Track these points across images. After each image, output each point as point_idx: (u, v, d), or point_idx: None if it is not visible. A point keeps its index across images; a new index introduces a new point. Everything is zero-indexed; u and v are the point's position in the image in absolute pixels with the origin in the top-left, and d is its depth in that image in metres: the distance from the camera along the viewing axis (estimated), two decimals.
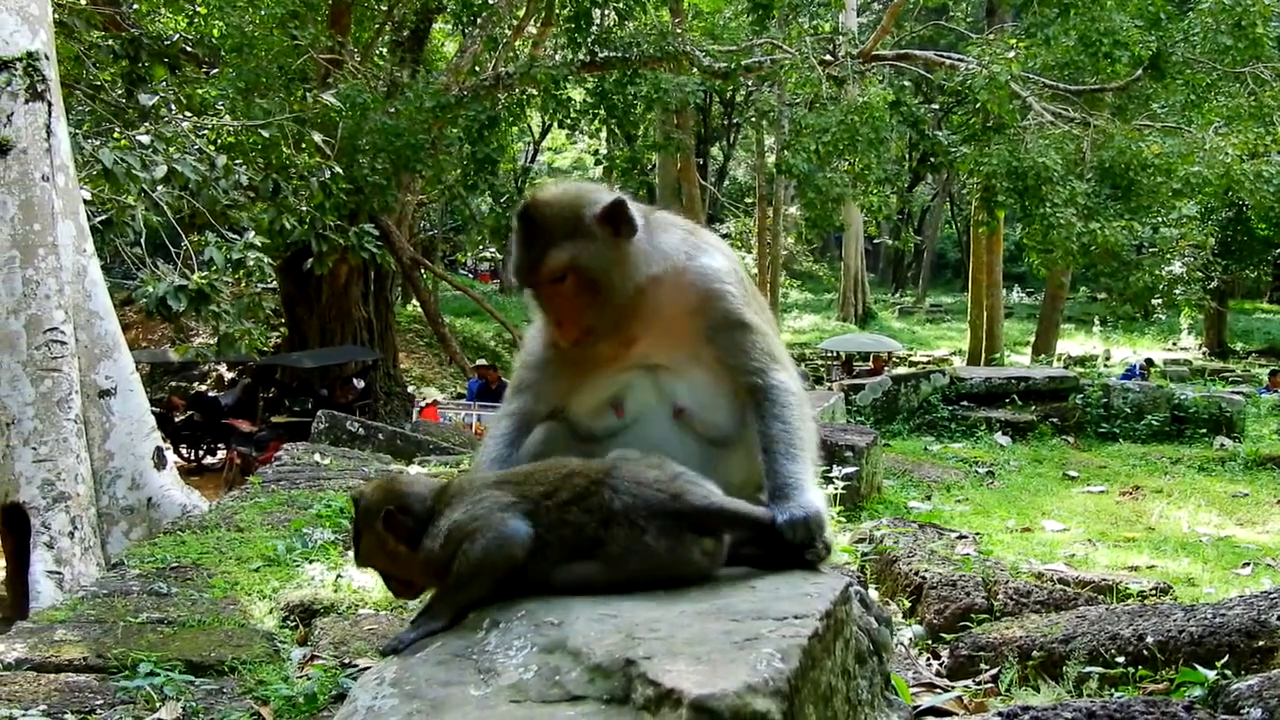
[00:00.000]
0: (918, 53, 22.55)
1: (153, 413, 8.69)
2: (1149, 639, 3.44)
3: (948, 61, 19.93)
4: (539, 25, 20.69)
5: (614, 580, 2.16)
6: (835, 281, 47.54)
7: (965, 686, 3.60)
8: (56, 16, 9.40)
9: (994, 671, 3.72)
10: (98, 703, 3.15)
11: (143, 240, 9.98)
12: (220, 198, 10.27)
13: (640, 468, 2.23)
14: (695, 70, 18.99)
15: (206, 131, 11.63)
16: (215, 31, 18.18)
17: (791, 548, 2.29)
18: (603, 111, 19.16)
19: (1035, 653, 3.66)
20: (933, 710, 3.10)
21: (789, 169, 19.21)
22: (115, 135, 10.56)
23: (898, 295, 51.32)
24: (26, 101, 7.65)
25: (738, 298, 2.56)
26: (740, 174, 54.22)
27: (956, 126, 23.45)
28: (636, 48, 18.39)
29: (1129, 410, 12.67)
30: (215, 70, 16.87)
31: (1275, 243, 30.15)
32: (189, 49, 17.30)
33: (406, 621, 2.43)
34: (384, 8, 21.04)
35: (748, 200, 46.89)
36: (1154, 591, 4.91)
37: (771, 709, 1.66)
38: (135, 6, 17.83)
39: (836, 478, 6.50)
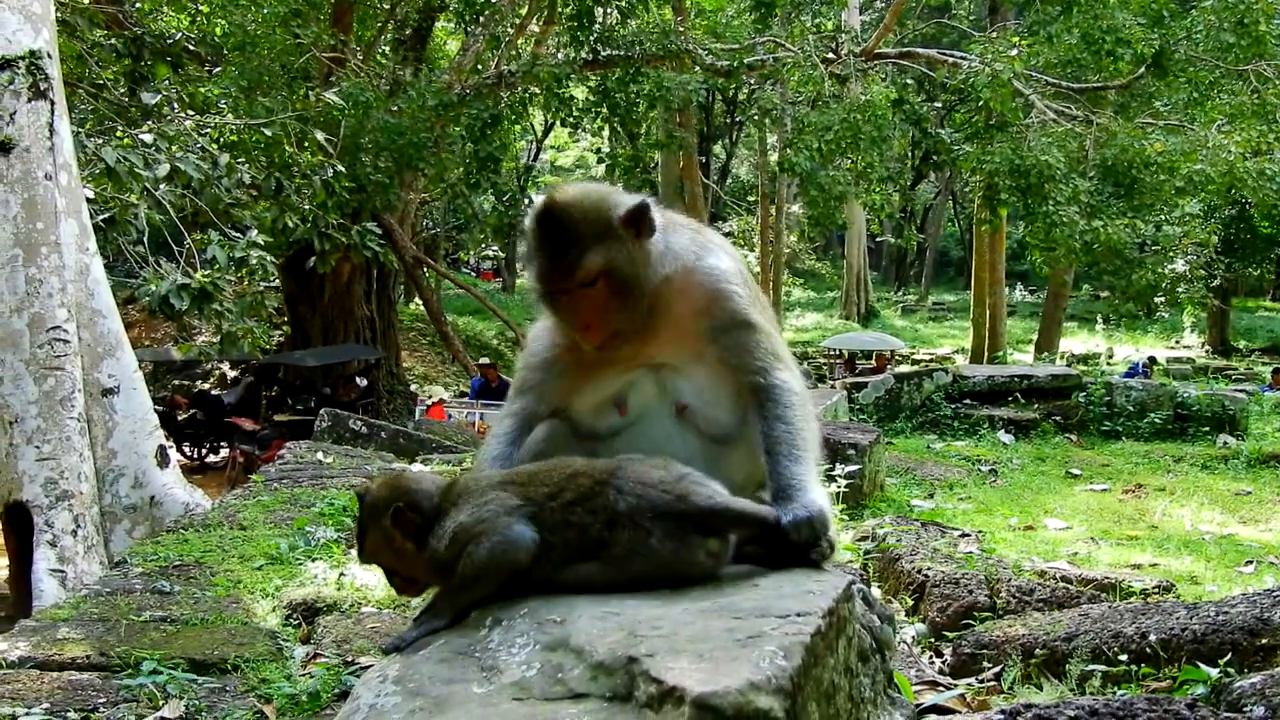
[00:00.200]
0: (920, 51, 22.49)
1: (155, 411, 8.70)
2: (1152, 637, 3.44)
3: (950, 59, 19.92)
4: (541, 23, 20.68)
5: (617, 581, 2.16)
6: (838, 280, 47.54)
7: (968, 684, 3.60)
8: (59, 15, 9.40)
9: (997, 669, 3.72)
10: (100, 701, 3.16)
11: (145, 239, 9.99)
12: (223, 196, 10.28)
13: (645, 468, 2.23)
14: (698, 68, 18.99)
15: (209, 130, 11.63)
16: (218, 30, 18.19)
17: (795, 547, 2.29)
18: (605, 110, 19.18)
19: (1038, 651, 3.66)
20: (935, 708, 3.09)
21: (791, 167, 19.18)
22: (118, 134, 10.56)
23: (900, 293, 51.27)
24: (29, 100, 7.66)
25: (744, 298, 2.57)
26: (743, 172, 54.20)
27: (959, 124, 23.40)
28: (639, 46, 18.41)
29: (1132, 408, 12.66)
30: (218, 69, 16.87)
31: (1278, 240, 30.13)
32: (191, 47, 17.28)
33: (409, 620, 2.43)
34: (386, 6, 21.05)
35: (750, 198, 46.88)
36: (1157, 589, 4.91)
37: (774, 706, 1.66)
38: (138, 5, 17.82)
39: (839, 476, 6.50)
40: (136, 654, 3.44)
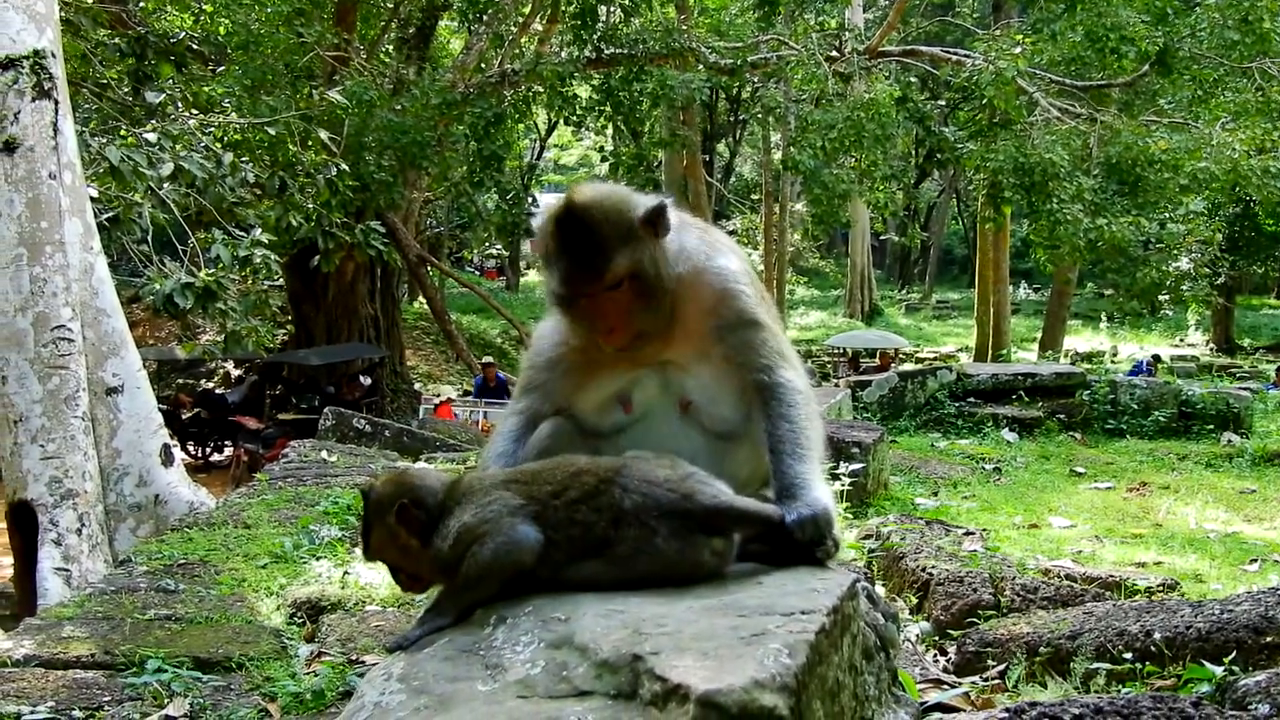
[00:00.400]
0: (924, 49, 22.48)
1: (160, 410, 8.71)
2: (1156, 635, 3.44)
3: (954, 57, 19.90)
4: (545, 22, 20.68)
5: (622, 579, 2.16)
6: (842, 278, 47.46)
7: (972, 683, 3.60)
8: (63, 14, 9.42)
9: (1001, 668, 3.71)
10: (105, 699, 3.16)
11: (149, 238, 9.98)
12: (227, 195, 10.27)
13: (651, 466, 2.23)
14: (701, 67, 18.99)
15: (213, 129, 11.63)
16: (221, 29, 18.22)
17: (800, 545, 2.29)
18: (609, 108, 19.20)
19: (1042, 649, 3.65)
20: (940, 706, 3.09)
21: (795, 165, 19.19)
22: (122, 133, 10.56)
23: (904, 291, 51.18)
24: (33, 99, 7.66)
25: (751, 297, 2.58)
26: (746, 170, 54.14)
27: (963, 122, 23.40)
28: (642, 44, 18.41)
29: (1136, 406, 12.62)
30: (221, 68, 16.90)
31: None
32: (195, 47, 17.30)
33: (413, 618, 2.43)
34: (390, 5, 21.06)
35: (754, 197, 46.79)
36: (1161, 588, 4.90)
37: (779, 704, 1.66)
38: (142, 4, 17.87)
39: (843, 474, 6.50)
40: (141, 652, 3.45)
